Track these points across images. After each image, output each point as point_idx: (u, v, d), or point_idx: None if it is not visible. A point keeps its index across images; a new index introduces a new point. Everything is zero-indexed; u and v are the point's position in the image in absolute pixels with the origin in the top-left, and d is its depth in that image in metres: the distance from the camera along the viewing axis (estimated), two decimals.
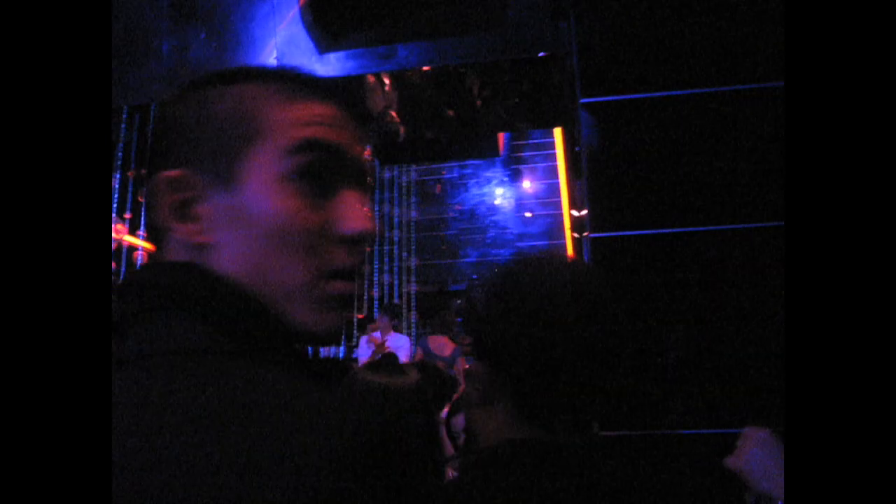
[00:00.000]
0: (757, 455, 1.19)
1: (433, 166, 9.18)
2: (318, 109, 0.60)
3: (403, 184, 8.97)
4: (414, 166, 8.93)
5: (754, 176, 2.04)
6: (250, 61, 3.48)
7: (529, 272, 0.79)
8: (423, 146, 3.58)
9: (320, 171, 0.59)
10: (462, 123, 3.39)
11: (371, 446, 0.44)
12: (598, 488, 0.74)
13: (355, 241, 0.60)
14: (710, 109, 2.09)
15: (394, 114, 3.41)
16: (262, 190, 0.58)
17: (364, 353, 5.32)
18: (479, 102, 3.17)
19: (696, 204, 2.01)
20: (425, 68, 3.40)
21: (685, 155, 2.05)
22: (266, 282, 0.57)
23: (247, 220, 0.58)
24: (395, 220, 8.95)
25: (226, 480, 0.40)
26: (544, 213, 9.48)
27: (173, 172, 0.59)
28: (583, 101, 2.07)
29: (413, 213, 9.24)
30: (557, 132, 6.05)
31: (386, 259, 8.77)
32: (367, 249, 0.65)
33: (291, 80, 0.61)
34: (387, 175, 8.58)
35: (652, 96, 2.08)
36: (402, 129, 3.43)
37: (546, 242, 9.32)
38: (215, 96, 0.61)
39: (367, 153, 0.72)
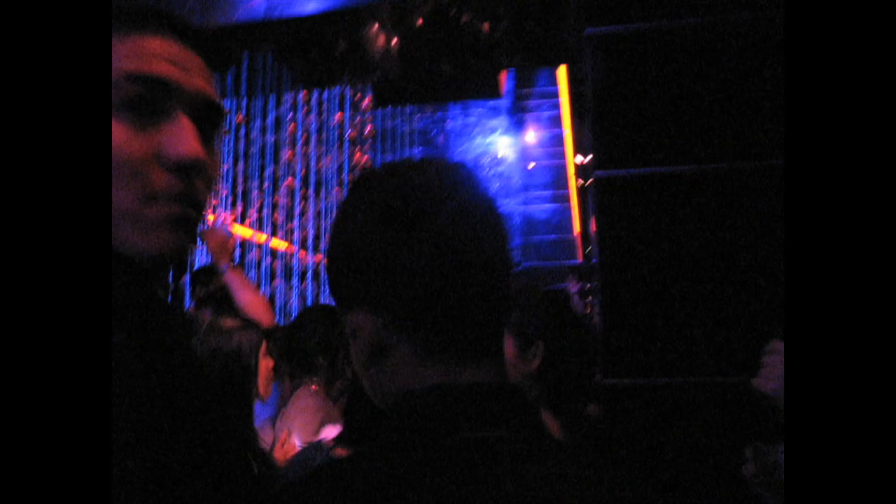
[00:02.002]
0: None
1: (437, 115, 9.03)
2: (150, 43, 0.63)
3: (406, 133, 8.83)
4: (417, 114, 8.79)
5: (766, 111, 1.94)
6: None
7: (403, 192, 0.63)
8: (422, 84, 3.47)
9: (147, 102, 0.62)
10: (461, 65, 3.27)
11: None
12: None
13: (181, 166, 0.62)
14: (720, 40, 1.97)
15: (394, 51, 3.30)
16: None
17: None
18: (481, 38, 3.06)
19: (704, 140, 1.92)
20: (420, 21, 3.28)
21: (694, 88, 1.94)
22: None
23: None
24: None
25: None
26: (549, 162, 9.36)
27: None
28: (588, 31, 1.96)
29: None
30: (562, 77, 5.90)
31: None
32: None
33: (126, 15, 0.63)
34: (388, 124, 8.43)
35: (658, 26, 1.97)
36: (400, 68, 3.32)
37: (551, 192, 9.22)
38: None
39: (208, 86, 0.70)
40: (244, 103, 6.70)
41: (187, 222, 0.65)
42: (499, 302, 0.66)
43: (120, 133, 0.61)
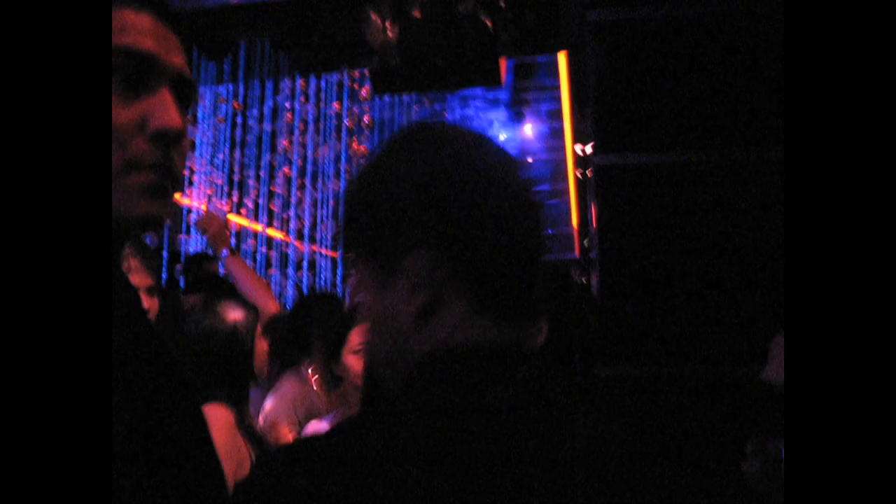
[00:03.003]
0: None
1: (435, 107, 8.99)
2: (129, 18, 0.66)
3: (404, 123, 8.80)
4: (416, 107, 8.75)
5: (768, 101, 1.93)
6: None
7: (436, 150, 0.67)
8: (422, 73, 3.46)
9: (133, 76, 0.65)
10: (459, 55, 3.26)
11: None
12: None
13: (160, 136, 0.66)
14: (722, 28, 1.96)
15: (392, 37, 3.28)
16: None
17: None
18: (481, 28, 3.04)
19: (705, 129, 1.91)
20: (418, 13, 3.26)
21: (696, 76, 1.93)
22: None
23: None
24: None
25: None
26: (547, 156, 9.34)
27: None
28: (590, 16, 1.94)
29: None
30: (563, 65, 5.88)
31: None
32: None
33: None
34: (387, 114, 8.40)
35: (660, 13, 1.95)
36: (399, 57, 3.31)
37: (549, 186, 9.21)
38: None
39: (183, 62, 0.74)
40: (241, 90, 6.67)
41: (164, 192, 0.68)
42: (536, 271, 0.68)
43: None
